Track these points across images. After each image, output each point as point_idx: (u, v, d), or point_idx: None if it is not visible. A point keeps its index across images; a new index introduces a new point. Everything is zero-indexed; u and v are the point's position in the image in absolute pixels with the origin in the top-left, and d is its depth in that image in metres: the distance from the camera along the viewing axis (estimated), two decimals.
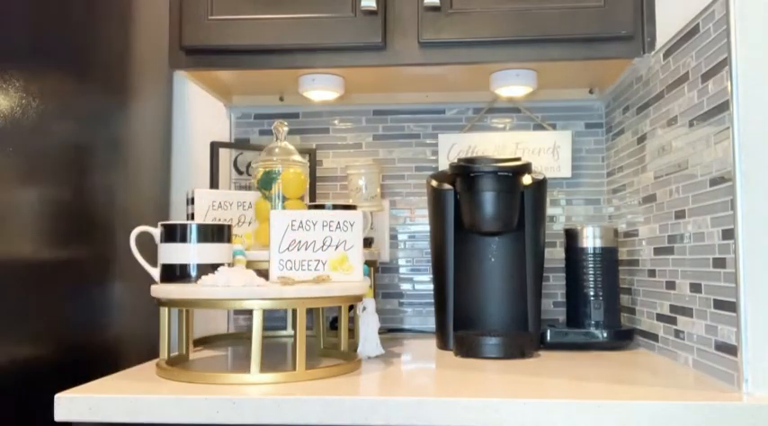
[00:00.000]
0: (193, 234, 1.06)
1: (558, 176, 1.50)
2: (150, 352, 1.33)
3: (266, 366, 1.04)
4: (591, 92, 1.50)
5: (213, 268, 1.05)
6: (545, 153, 1.50)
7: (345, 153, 1.56)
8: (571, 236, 1.29)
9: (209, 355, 1.21)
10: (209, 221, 1.23)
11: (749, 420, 0.80)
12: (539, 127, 1.53)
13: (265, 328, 1.40)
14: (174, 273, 1.05)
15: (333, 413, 0.84)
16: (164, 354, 1.05)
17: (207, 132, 1.56)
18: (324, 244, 1.08)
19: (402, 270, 1.54)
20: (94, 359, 1.18)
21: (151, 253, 1.09)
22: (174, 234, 1.06)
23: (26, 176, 1.01)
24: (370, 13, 1.19)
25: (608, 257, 1.26)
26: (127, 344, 1.29)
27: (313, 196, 1.48)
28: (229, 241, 1.09)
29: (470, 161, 1.24)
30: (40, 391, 1.01)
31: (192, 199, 1.26)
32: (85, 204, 1.16)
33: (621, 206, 1.39)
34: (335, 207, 1.22)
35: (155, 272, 1.08)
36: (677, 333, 1.07)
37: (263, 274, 1.07)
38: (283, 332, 1.48)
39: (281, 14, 1.21)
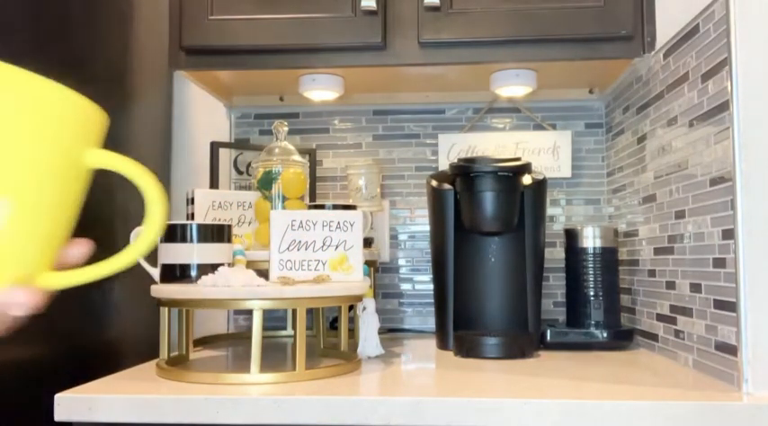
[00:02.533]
0: (193, 234, 1.06)
1: (558, 176, 1.50)
2: (150, 352, 1.33)
3: (266, 366, 1.04)
4: (591, 92, 1.50)
5: (213, 268, 1.05)
6: (545, 153, 1.50)
7: (345, 153, 1.56)
8: (571, 236, 1.29)
9: (209, 355, 1.21)
10: (209, 221, 1.23)
11: (749, 420, 0.80)
12: (539, 127, 1.53)
13: (265, 328, 1.40)
14: (174, 273, 1.05)
15: (332, 413, 0.84)
16: (164, 354, 1.05)
17: (207, 132, 1.56)
18: (324, 243, 1.08)
19: (402, 270, 1.54)
20: (94, 359, 1.18)
21: (151, 253, 1.09)
22: (174, 234, 1.06)
23: None
24: (370, 13, 1.19)
25: (608, 257, 1.26)
26: (127, 344, 1.29)
27: (313, 196, 1.48)
28: (229, 241, 1.09)
29: (470, 161, 1.24)
30: (40, 391, 1.01)
31: (192, 199, 1.26)
32: (85, 204, 1.16)
33: (621, 206, 1.39)
34: (335, 207, 1.22)
35: (155, 272, 1.08)
36: (677, 333, 1.07)
37: (263, 274, 1.07)
38: (283, 332, 1.48)
39: (281, 14, 1.21)
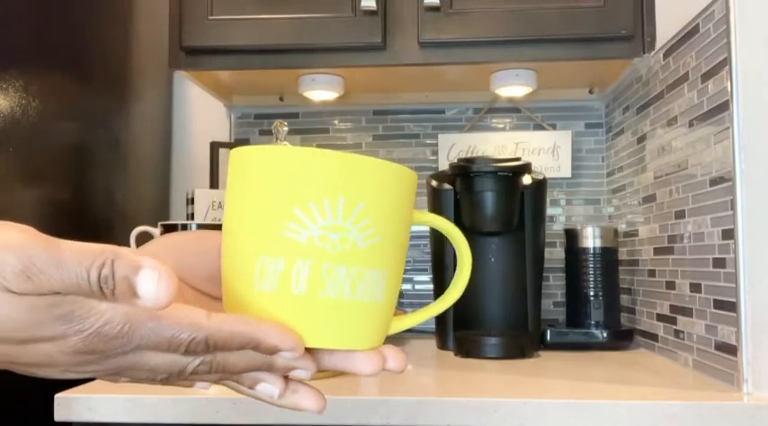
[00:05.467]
0: None
1: (558, 176, 1.50)
2: None
3: None
4: (591, 92, 1.50)
5: None
6: (545, 153, 1.50)
7: None
8: (571, 236, 1.29)
9: None
10: (209, 221, 1.23)
11: (749, 420, 0.80)
12: (539, 127, 1.53)
13: None
14: None
15: (333, 413, 0.84)
16: None
17: (207, 132, 1.56)
18: None
19: None
20: None
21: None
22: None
23: (26, 176, 1.01)
24: (370, 13, 1.19)
25: (608, 257, 1.26)
26: None
27: None
28: None
29: (470, 161, 1.24)
30: (40, 391, 1.01)
31: (192, 199, 1.26)
32: (85, 204, 1.16)
33: (621, 206, 1.39)
34: None
35: None
36: (677, 333, 1.07)
37: None
38: None
39: (281, 14, 1.21)
